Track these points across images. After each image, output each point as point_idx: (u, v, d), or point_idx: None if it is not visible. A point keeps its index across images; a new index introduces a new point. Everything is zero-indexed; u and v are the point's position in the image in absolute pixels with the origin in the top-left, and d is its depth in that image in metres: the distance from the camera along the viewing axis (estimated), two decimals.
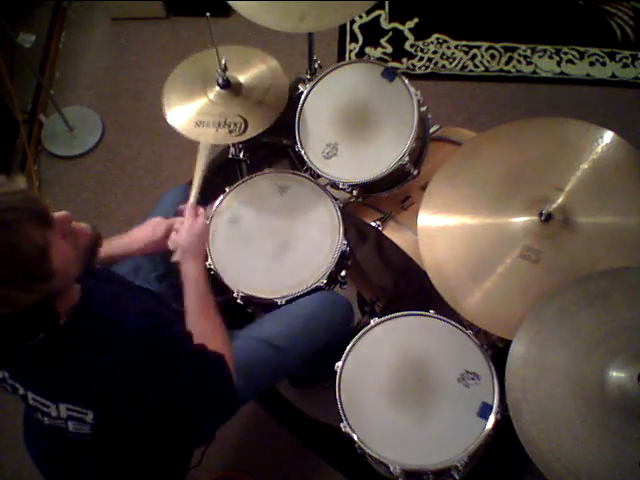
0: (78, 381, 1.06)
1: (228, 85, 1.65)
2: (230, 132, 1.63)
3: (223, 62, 1.59)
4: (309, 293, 1.55)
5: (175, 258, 1.37)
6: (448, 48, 2.69)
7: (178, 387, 1.13)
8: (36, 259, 0.89)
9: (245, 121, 1.63)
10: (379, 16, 2.78)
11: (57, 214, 0.95)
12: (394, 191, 1.65)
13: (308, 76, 1.83)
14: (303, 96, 1.67)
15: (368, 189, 1.65)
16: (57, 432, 1.14)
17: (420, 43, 2.71)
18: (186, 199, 1.67)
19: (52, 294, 0.95)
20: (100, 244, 1.06)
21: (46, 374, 1.06)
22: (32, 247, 0.88)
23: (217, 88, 1.65)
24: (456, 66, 2.65)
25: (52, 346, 1.01)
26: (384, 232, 1.60)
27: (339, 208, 1.63)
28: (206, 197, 1.70)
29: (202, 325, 1.27)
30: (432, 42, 2.71)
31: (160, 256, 1.52)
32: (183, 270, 1.35)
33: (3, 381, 1.12)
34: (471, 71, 2.65)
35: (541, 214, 1.30)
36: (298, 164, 1.82)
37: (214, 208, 1.67)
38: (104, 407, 1.08)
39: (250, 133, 1.63)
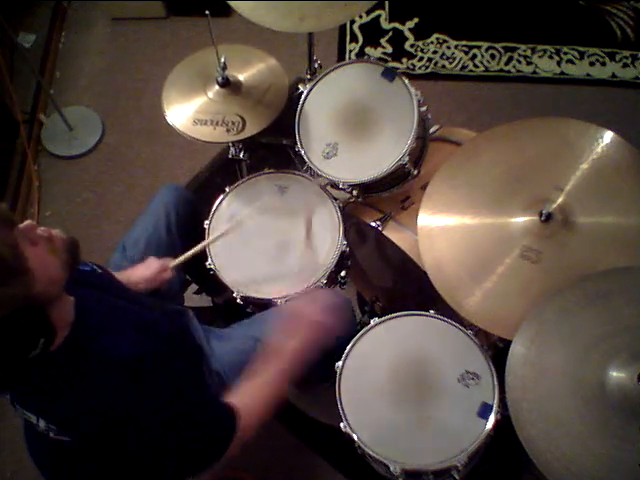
0: (61, 408, 1.06)
1: (227, 83, 1.65)
2: (227, 131, 1.63)
3: (222, 60, 1.59)
4: None
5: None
6: (448, 48, 2.69)
7: (160, 435, 1.11)
8: (11, 256, 0.91)
9: (243, 120, 1.63)
10: (379, 16, 2.78)
11: (21, 225, 0.97)
12: (394, 191, 1.65)
13: (308, 76, 1.83)
14: (303, 96, 1.67)
15: (368, 189, 1.65)
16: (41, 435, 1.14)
17: (420, 43, 2.71)
18: (177, 199, 1.67)
19: (39, 299, 0.95)
20: (78, 247, 1.06)
21: (32, 393, 1.06)
22: (4, 245, 0.90)
23: (216, 87, 1.65)
24: (456, 66, 2.65)
25: (43, 367, 1.01)
26: (384, 232, 1.59)
27: (339, 208, 1.63)
28: (206, 197, 1.70)
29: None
30: (432, 42, 2.71)
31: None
32: (275, 341, 1.31)
33: None
34: (471, 71, 2.64)
35: (541, 214, 1.30)
36: (298, 164, 1.82)
37: (214, 208, 1.67)
38: (81, 437, 1.08)
39: (248, 132, 1.63)
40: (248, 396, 1.22)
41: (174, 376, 1.12)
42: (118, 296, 1.25)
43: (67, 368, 1.03)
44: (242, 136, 1.63)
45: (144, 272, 1.48)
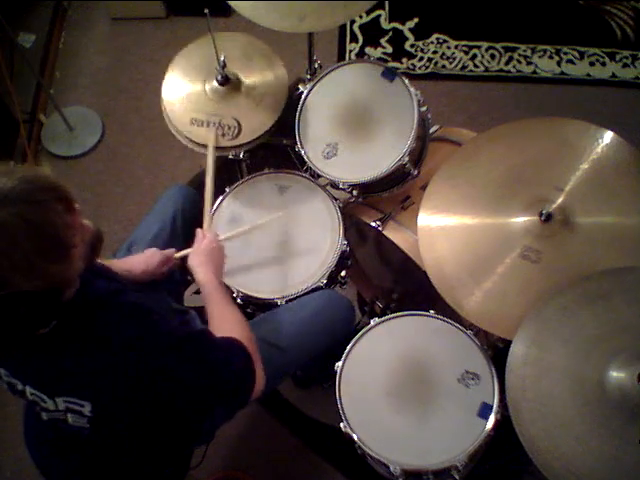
0: (75, 373, 1.06)
1: (227, 82, 1.64)
2: (223, 135, 1.63)
3: (222, 59, 1.59)
4: (309, 293, 1.55)
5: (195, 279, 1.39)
6: (448, 48, 2.69)
7: (178, 380, 1.12)
8: (66, 237, 0.93)
9: (239, 125, 1.63)
10: (379, 16, 2.78)
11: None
12: (394, 191, 1.65)
13: (308, 76, 1.83)
14: (303, 96, 1.67)
15: (368, 189, 1.65)
16: (57, 427, 1.14)
17: (420, 43, 2.71)
18: (184, 199, 1.67)
19: (64, 283, 0.97)
20: (102, 241, 1.08)
21: (43, 367, 1.06)
22: (63, 226, 0.93)
23: (216, 84, 1.65)
24: (456, 66, 2.65)
25: (50, 338, 1.02)
26: (384, 232, 1.60)
27: (339, 208, 1.63)
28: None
29: (223, 328, 1.28)
30: (432, 42, 2.71)
31: None
32: (197, 281, 1.37)
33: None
34: (471, 71, 2.64)
35: (541, 214, 1.30)
36: (298, 164, 1.82)
37: (214, 208, 1.67)
38: (102, 399, 1.08)
39: (242, 139, 1.63)
40: (231, 326, 1.28)
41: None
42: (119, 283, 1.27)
43: (73, 333, 1.03)
44: (236, 142, 1.63)
45: (145, 265, 1.45)
